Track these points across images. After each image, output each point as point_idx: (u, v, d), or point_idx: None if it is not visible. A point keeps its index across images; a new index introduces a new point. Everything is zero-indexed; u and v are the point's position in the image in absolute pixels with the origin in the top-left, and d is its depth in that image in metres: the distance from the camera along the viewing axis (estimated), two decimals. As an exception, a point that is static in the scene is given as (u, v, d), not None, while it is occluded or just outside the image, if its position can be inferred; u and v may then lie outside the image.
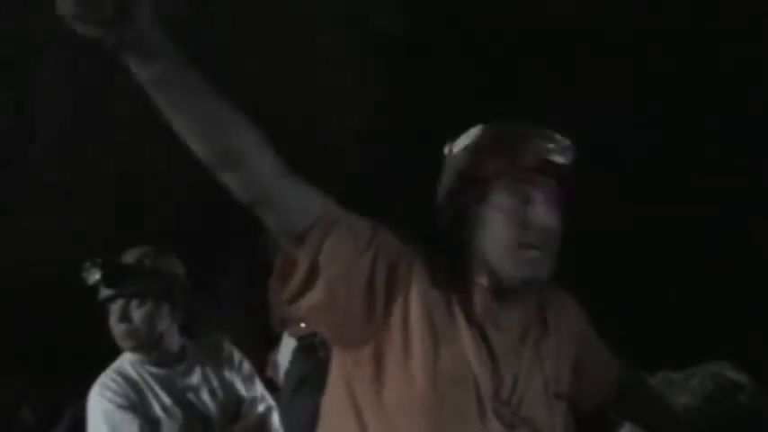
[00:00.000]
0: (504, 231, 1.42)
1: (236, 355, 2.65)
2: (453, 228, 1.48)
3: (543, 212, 1.43)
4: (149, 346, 2.49)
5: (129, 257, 2.50)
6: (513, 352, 1.47)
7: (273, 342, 2.96)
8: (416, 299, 1.37)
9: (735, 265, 4.04)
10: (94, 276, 2.40)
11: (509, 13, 4.36)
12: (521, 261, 1.42)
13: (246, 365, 2.65)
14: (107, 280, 2.41)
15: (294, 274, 1.32)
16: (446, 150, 1.54)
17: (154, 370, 2.51)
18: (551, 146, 1.44)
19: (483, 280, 1.45)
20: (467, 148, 1.49)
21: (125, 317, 2.44)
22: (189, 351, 2.59)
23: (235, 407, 2.57)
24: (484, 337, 1.44)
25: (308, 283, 1.32)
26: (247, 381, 2.62)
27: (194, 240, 3.43)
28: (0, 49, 3.63)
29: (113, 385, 2.44)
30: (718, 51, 4.12)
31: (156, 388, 2.48)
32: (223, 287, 4.23)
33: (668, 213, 4.23)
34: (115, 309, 2.45)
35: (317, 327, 1.43)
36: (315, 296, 1.33)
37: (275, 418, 2.57)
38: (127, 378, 2.47)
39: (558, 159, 1.44)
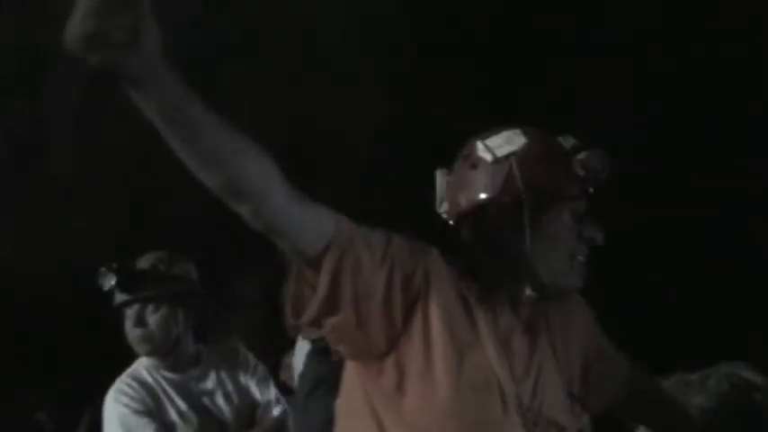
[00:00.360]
0: (564, 246, 1.47)
1: (251, 359, 2.66)
2: (490, 235, 1.48)
3: (596, 229, 1.50)
4: (165, 350, 2.50)
5: (144, 263, 2.51)
6: (531, 354, 1.49)
7: (288, 346, 2.97)
8: (436, 307, 1.37)
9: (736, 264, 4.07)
10: (110, 282, 2.41)
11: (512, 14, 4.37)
12: (574, 273, 1.49)
13: (261, 369, 2.66)
14: (122, 285, 2.42)
15: (313, 298, 1.31)
16: (480, 153, 1.49)
17: (169, 375, 2.52)
18: (600, 162, 1.48)
19: (524, 287, 1.49)
20: (521, 158, 1.47)
21: (141, 322, 2.45)
22: (204, 356, 2.60)
23: (250, 411, 2.58)
24: (505, 341, 1.46)
25: (329, 306, 1.31)
26: (262, 385, 2.62)
27: (209, 244, 3.43)
28: (13, 61, 3.63)
29: (129, 390, 2.45)
30: (718, 51, 4.13)
31: (172, 393, 2.49)
32: (238, 291, 4.23)
33: (669, 213, 4.26)
34: (131, 314, 2.46)
35: (338, 345, 1.41)
36: (340, 318, 1.32)
37: (291, 422, 2.58)
38: (142, 383, 2.48)
39: (604, 175, 1.48)
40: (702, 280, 4.11)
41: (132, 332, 2.47)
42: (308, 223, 1.28)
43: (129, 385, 2.46)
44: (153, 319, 2.46)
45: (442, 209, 1.58)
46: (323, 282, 1.29)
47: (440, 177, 1.59)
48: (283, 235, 1.27)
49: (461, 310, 1.42)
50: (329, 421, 1.53)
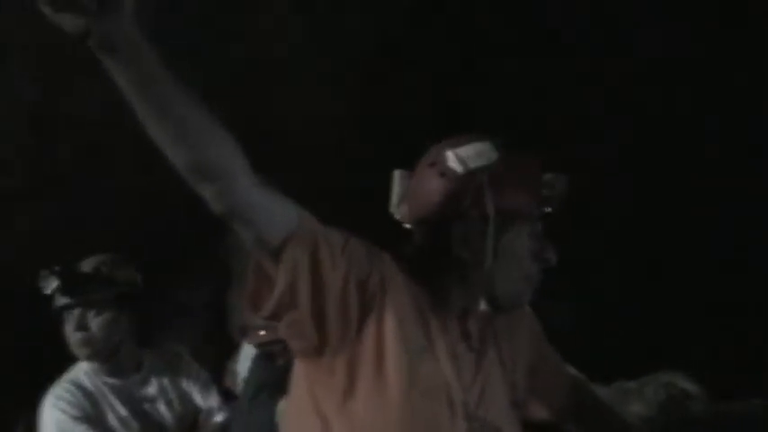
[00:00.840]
0: (522, 263, 1.50)
1: (194, 365, 2.63)
2: (450, 246, 1.48)
3: (552, 250, 1.52)
4: (106, 355, 2.46)
5: (87, 266, 2.46)
6: (478, 362, 1.52)
7: (232, 351, 2.94)
8: (390, 311, 1.38)
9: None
10: (52, 285, 2.36)
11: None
12: (529, 290, 1.53)
13: (204, 375, 2.63)
14: (64, 288, 2.38)
15: (272, 292, 1.30)
16: (450, 163, 1.49)
17: (109, 380, 2.48)
18: (564, 184, 1.51)
19: (478, 300, 1.50)
20: (492, 174, 1.47)
21: (82, 325, 2.41)
22: (146, 361, 2.56)
23: (192, 417, 2.55)
24: (454, 349, 1.47)
25: (288, 299, 1.31)
26: (204, 390, 2.60)
27: (155, 249, 3.38)
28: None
29: (67, 396, 2.40)
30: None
31: (112, 398, 2.45)
32: (183, 297, 4.18)
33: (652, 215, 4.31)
34: (72, 317, 2.42)
35: (293, 341, 1.41)
36: (297, 312, 1.32)
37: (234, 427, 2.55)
38: (82, 388, 2.43)
39: (562, 196, 1.51)
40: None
41: (73, 336, 2.43)
42: (272, 210, 1.28)
43: (67, 390, 2.41)
44: (95, 322, 2.42)
45: (399, 211, 1.58)
46: (282, 274, 1.29)
47: (399, 178, 1.58)
48: (247, 220, 1.26)
49: (415, 316, 1.43)
50: (273, 425, 1.53)
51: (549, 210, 1.53)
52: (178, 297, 4.00)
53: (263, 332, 2.31)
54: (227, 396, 2.75)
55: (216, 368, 2.91)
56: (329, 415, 1.39)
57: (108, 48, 1.09)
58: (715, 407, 2.04)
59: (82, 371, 2.48)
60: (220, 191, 1.22)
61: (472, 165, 1.47)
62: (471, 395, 1.47)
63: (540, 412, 1.74)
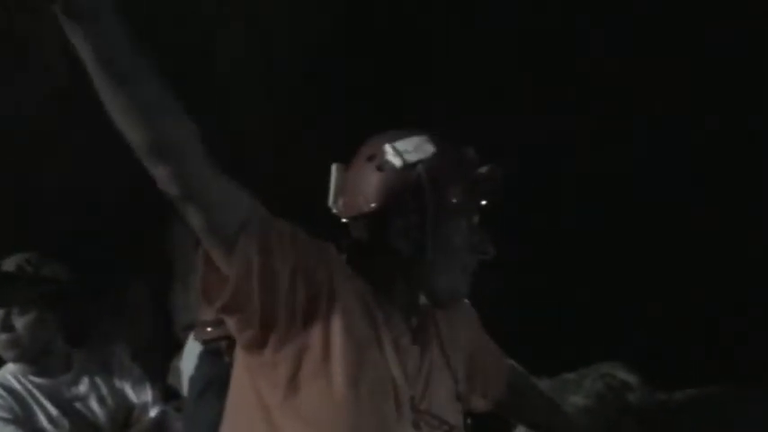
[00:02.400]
0: (460, 256, 1.49)
1: (126, 362, 2.57)
2: (389, 240, 1.47)
3: (489, 242, 1.52)
4: (33, 355, 2.38)
5: (10, 265, 2.37)
6: (421, 355, 1.52)
7: (176, 350, 2.88)
8: (337, 304, 1.38)
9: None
10: None
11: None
12: (466, 283, 1.52)
13: (137, 371, 2.57)
14: None
15: (222, 283, 1.30)
16: (388, 156, 1.47)
17: (38, 380, 2.40)
18: (499, 177, 1.49)
19: (418, 293, 1.51)
20: (429, 168, 1.45)
21: (7, 326, 2.33)
22: (76, 360, 2.49)
23: (125, 414, 2.49)
24: (398, 342, 1.47)
25: (241, 289, 1.30)
26: (138, 386, 2.53)
27: (94, 246, 3.30)
28: None
29: None
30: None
31: (42, 399, 2.37)
32: (123, 295, 4.10)
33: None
34: None
35: (240, 334, 1.38)
36: (250, 305, 1.31)
37: (172, 422, 2.51)
38: (10, 390, 2.35)
39: (498, 187, 1.50)
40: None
41: None
42: (227, 197, 1.28)
43: None
44: (20, 323, 2.33)
45: (336, 205, 1.56)
46: (236, 264, 1.29)
47: (336, 172, 1.56)
48: (201, 204, 1.25)
49: (361, 309, 1.43)
50: (219, 422, 1.51)
51: (486, 201, 1.52)
52: (120, 296, 3.92)
53: (209, 328, 2.26)
54: (173, 394, 2.69)
55: (160, 367, 2.84)
56: (271, 407, 1.39)
57: (76, 13, 1.06)
58: (654, 396, 2.05)
59: (9, 372, 2.40)
60: (177, 172, 1.21)
61: (410, 158, 1.46)
62: (416, 387, 1.48)
63: (480, 403, 1.75)
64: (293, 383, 1.37)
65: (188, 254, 1.25)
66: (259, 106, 4.35)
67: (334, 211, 1.57)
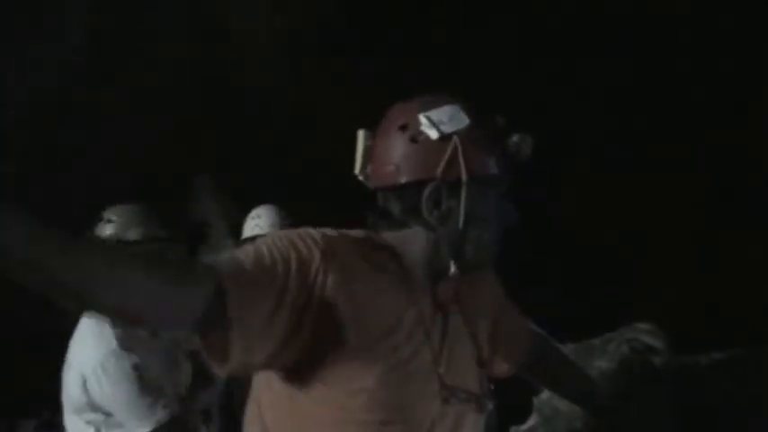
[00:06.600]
0: (491, 226, 1.48)
1: None
2: (423, 211, 1.45)
3: (514, 211, 1.52)
4: None
5: None
6: (445, 325, 1.51)
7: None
8: (345, 307, 1.35)
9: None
10: None
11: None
12: (493, 252, 1.51)
13: None
14: None
15: (230, 352, 1.28)
16: (423, 127, 1.45)
17: None
18: (530, 146, 1.49)
19: (449, 263, 1.48)
20: (465, 139, 1.44)
21: None
22: None
23: None
24: (422, 316, 1.46)
25: (248, 348, 1.29)
26: None
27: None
28: None
29: None
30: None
31: None
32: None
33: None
34: None
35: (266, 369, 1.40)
36: (261, 352, 1.31)
37: None
38: None
39: (528, 157, 1.49)
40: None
41: None
42: (186, 299, 1.23)
43: None
44: None
45: (364, 173, 1.54)
46: (234, 338, 1.26)
47: (363, 139, 1.54)
48: (178, 328, 1.32)
49: (373, 301, 1.39)
50: None
51: (515, 171, 1.51)
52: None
53: None
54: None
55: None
56: (307, 410, 1.39)
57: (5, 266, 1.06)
58: (678, 360, 2.04)
59: None
60: (137, 318, 1.24)
61: (446, 129, 1.44)
62: (441, 360, 1.47)
63: (503, 368, 1.74)
64: (323, 379, 1.36)
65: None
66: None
67: (361, 178, 1.55)
